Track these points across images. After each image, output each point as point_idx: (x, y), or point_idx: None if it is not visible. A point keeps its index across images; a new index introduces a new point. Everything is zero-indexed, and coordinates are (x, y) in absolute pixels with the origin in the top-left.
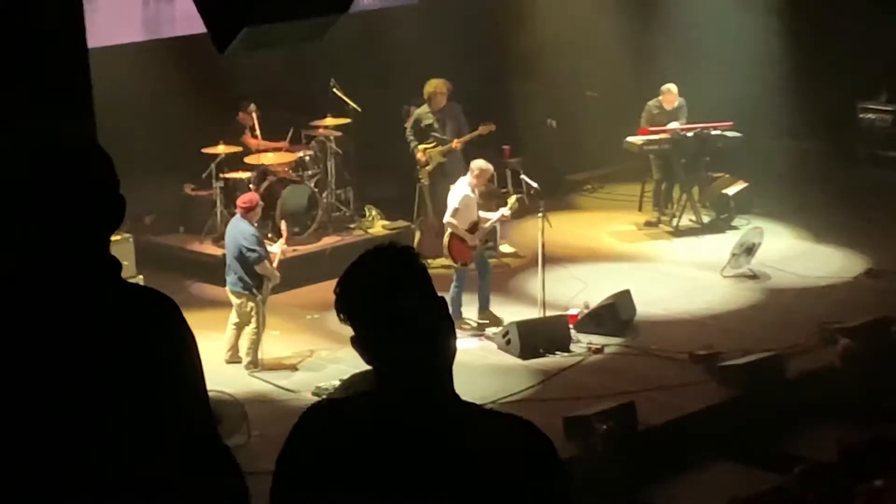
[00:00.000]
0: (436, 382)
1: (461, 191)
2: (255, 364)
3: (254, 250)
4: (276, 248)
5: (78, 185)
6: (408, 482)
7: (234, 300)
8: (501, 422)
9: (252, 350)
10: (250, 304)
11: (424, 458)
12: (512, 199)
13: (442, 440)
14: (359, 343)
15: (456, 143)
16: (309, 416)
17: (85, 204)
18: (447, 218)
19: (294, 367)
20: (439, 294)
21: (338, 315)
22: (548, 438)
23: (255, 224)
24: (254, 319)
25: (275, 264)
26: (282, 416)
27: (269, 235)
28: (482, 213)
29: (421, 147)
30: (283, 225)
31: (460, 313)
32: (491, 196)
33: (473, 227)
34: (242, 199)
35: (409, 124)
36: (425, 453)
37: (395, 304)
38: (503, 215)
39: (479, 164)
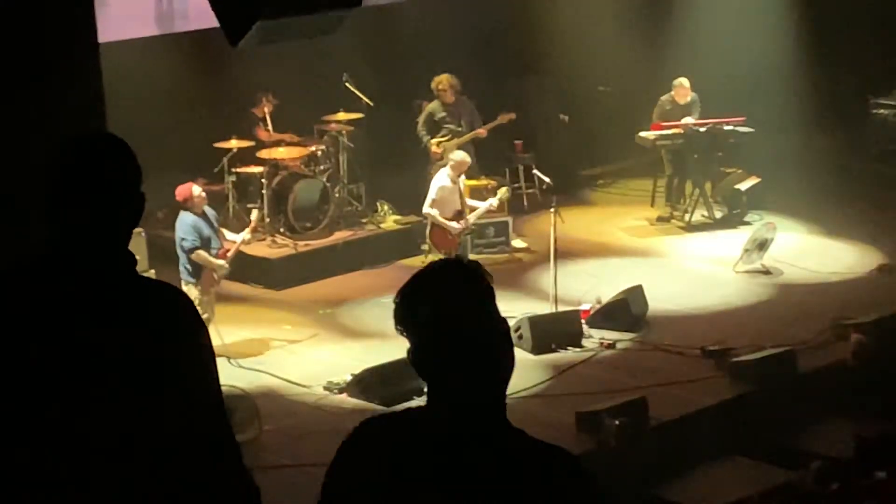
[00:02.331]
0: (489, 404)
1: (439, 181)
2: None
3: (185, 239)
4: (237, 237)
5: (97, 179)
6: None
7: (184, 289)
8: (548, 454)
9: None
10: (194, 292)
11: (470, 481)
12: (502, 190)
13: (489, 465)
14: (414, 357)
15: (482, 131)
16: (361, 432)
17: (104, 198)
18: (425, 208)
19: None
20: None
21: (395, 325)
22: (593, 477)
23: (202, 213)
24: (199, 308)
25: (230, 254)
26: (293, 410)
27: (282, 230)
28: (470, 202)
29: (434, 141)
30: (254, 214)
31: None
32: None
33: (457, 216)
34: (178, 190)
35: (420, 119)
36: (472, 476)
37: (455, 320)
38: (491, 205)
39: (457, 154)
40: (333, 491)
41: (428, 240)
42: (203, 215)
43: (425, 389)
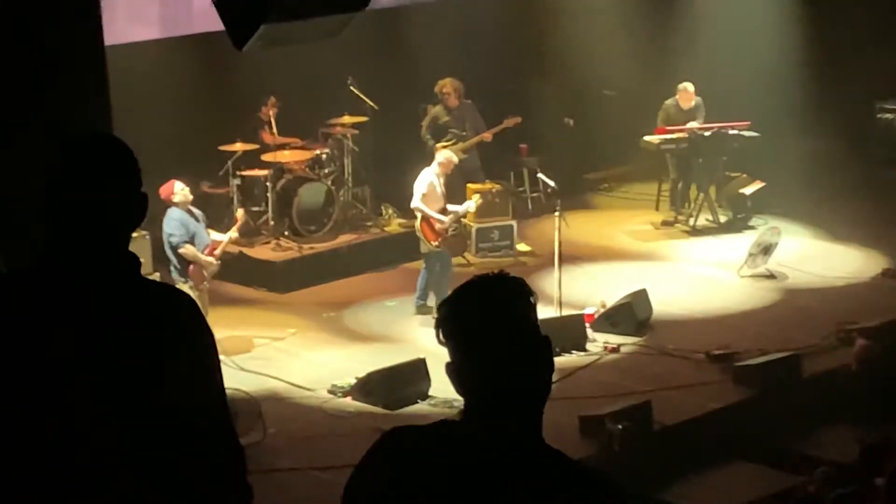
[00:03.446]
0: (525, 422)
1: (427, 177)
2: None
3: (172, 234)
4: (223, 237)
5: (99, 181)
6: None
7: None
8: (585, 479)
9: None
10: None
11: (499, 499)
12: (476, 197)
13: (524, 487)
14: (453, 370)
15: (487, 135)
16: (387, 442)
17: (106, 200)
18: (414, 202)
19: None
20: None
21: (436, 336)
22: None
23: (189, 209)
24: None
25: (217, 251)
26: (297, 413)
27: (286, 233)
28: (450, 207)
29: (439, 145)
30: (239, 212)
31: (425, 299)
32: (508, 194)
33: (443, 212)
34: (161, 189)
35: (424, 123)
36: (505, 498)
37: (497, 335)
38: (468, 209)
39: (444, 153)
40: (357, 500)
41: (419, 233)
42: (189, 213)
43: (430, 394)
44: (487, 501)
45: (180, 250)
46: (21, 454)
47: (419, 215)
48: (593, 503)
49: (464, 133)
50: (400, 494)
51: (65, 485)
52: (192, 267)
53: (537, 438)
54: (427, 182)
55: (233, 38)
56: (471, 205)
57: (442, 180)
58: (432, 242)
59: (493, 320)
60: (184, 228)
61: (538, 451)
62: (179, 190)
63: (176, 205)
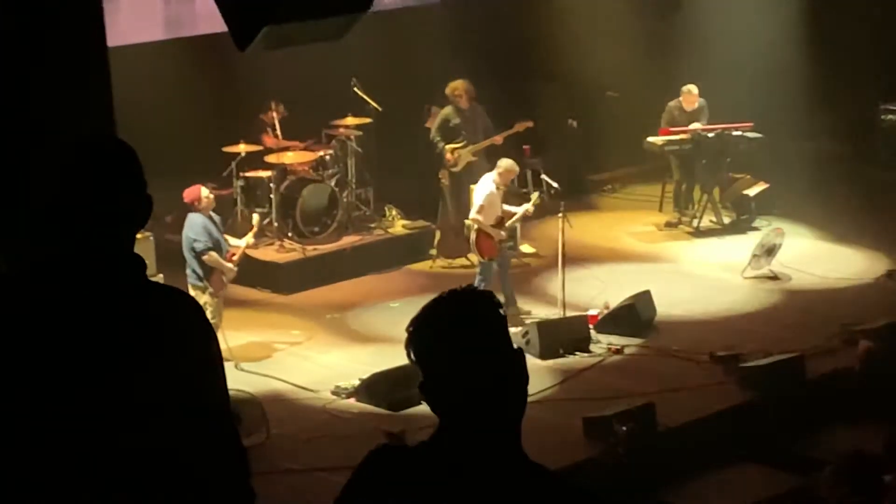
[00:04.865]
0: (503, 437)
1: (486, 187)
2: None
3: (197, 240)
4: (240, 242)
5: (104, 183)
6: None
7: (192, 293)
8: (565, 494)
9: None
10: (203, 297)
11: None
12: (535, 196)
13: (502, 500)
14: (426, 389)
15: (498, 139)
16: (372, 462)
17: (111, 201)
18: (473, 214)
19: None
20: None
21: (407, 355)
22: None
23: (210, 215)
24: (208, 313)
25: (236, 258)
26: (300, 414)
27: (290, 235)
28: (506, 207)
29: (449, 147)
30: (255, 218)
31: None
32: (511, 196)
33: (499, 222)
34: (185, 193)
35: (434, 125)
36: None
37: (469, 350)
38: (527, 210)
39: (506, 162)
40: None
41: (473, 247)
42: (210, 219)
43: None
44: None
45: (204, 257)
46: (22, 455)
47: (475, 226)
48: None
49: (474, 136)
50: None
51: (66, 486)
52: (214, 275)
53: (517, 452)
54: (486, 193)
55: (236, 39)
56: (529, 206)
57: (501, 190)
58: (485, 257)
59: (463, 336)
60: (207, 234)
61: (518, 465)
62: (205, 196)
63: (199, 210)
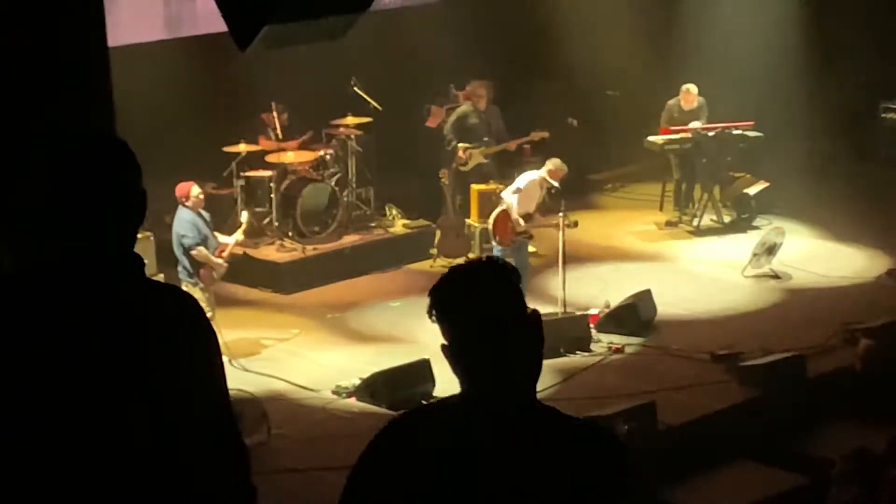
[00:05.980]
0: (521, 393)
1: (530, 176)
2: None
3: (185, 236)
4: (229, 239)
5: (102, 181)
6: (489, 493)
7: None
8: (582, 429)
9: None
10: (196, 293)
11: (506, 470)
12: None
13: (524, 447)
14: (448, 349)
15: (511, 145)
16: (387, 433)
17: (110, 200)
18: (506, 194)
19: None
20: None
21: (429, 315)
22: (625, 449)
23: (200, 212)
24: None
25: (225, 254)
26: (301, 414)
27: (290, 234)
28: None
29: (461, 146)
30: (244, 216)
31: None
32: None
33: (525, 216)
34: (178, 187)
35: (449, 121)
36: (506, 465)
37: (488, 311)
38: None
39: (555, 161)
40: (363, 489)
41: (491, 223)
42: (199, 215)
43: (435, 395)
44: (495, 468)
45: (192, 252)
46: (23, 455)
47: (503, 205)
48: (598, 453)
49: (487, 137)
50: (412, 476)
51: (67, 486)
52: (203, 270)
53: (533, 402)
54: (529, 180)
55: (236, 39)
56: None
57: (544, 189)
58: (496, 238)
59: (483, 299)
60: (196, 230)
61: (534, 412)
62: (195, 194)
63: (188, 207)
